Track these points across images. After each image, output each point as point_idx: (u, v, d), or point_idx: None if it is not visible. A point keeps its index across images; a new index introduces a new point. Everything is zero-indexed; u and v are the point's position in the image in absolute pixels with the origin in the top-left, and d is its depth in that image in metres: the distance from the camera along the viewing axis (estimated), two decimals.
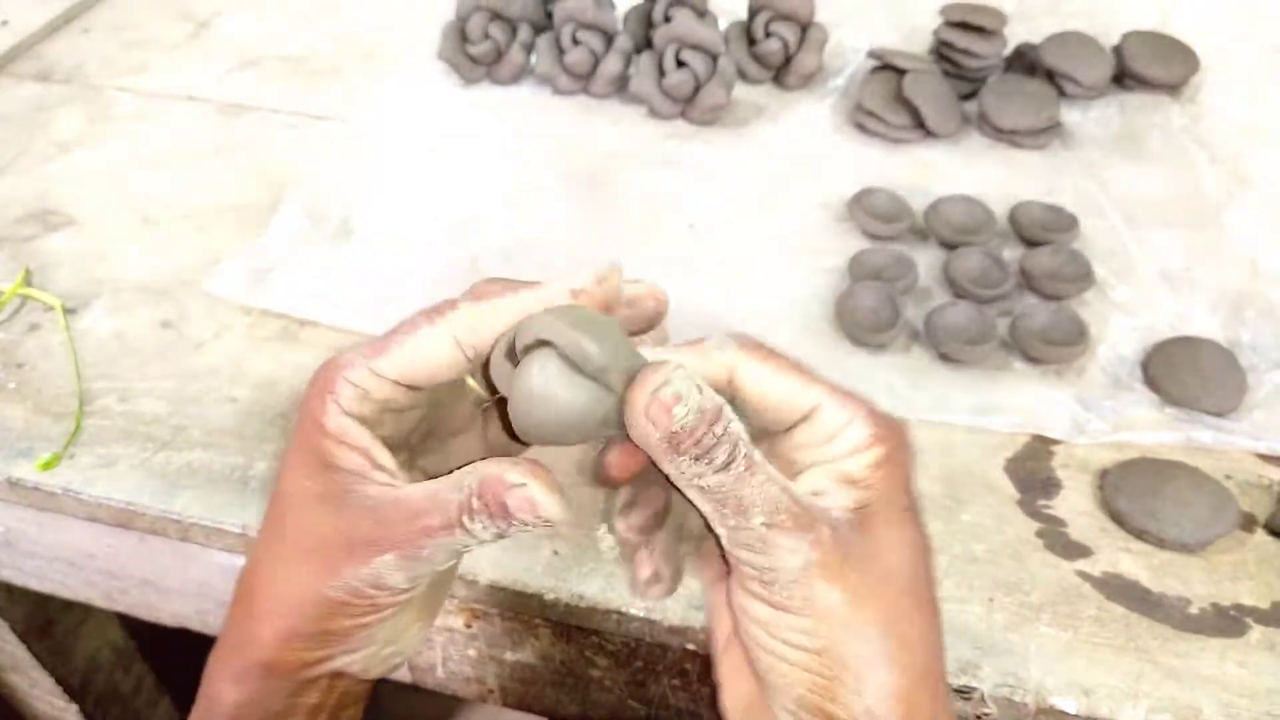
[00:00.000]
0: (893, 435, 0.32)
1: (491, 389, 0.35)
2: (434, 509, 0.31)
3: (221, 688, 0.35)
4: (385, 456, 0.33)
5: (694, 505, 0.31)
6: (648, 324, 0.37)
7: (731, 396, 0.32)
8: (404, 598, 0.33)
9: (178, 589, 0.63)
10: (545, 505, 0.30)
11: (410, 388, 0.34)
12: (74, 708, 0.89)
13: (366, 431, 0.33)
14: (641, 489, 0.35)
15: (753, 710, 0.33)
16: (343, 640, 0.34)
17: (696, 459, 0.29)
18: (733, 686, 0.34)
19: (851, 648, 0.29)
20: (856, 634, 0.30)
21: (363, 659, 0.35)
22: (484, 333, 0.33)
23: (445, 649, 0.58)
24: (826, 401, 0.32)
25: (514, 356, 0.32)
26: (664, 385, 0.29)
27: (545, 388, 0.30)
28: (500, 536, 0.31)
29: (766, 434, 0.34)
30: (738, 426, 0.30)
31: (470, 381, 0.36)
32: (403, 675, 0.61)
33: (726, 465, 0.29)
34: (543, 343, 0.30)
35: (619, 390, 0.30)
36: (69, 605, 0.73)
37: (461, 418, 0.38)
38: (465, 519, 0.30)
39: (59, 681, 0.87)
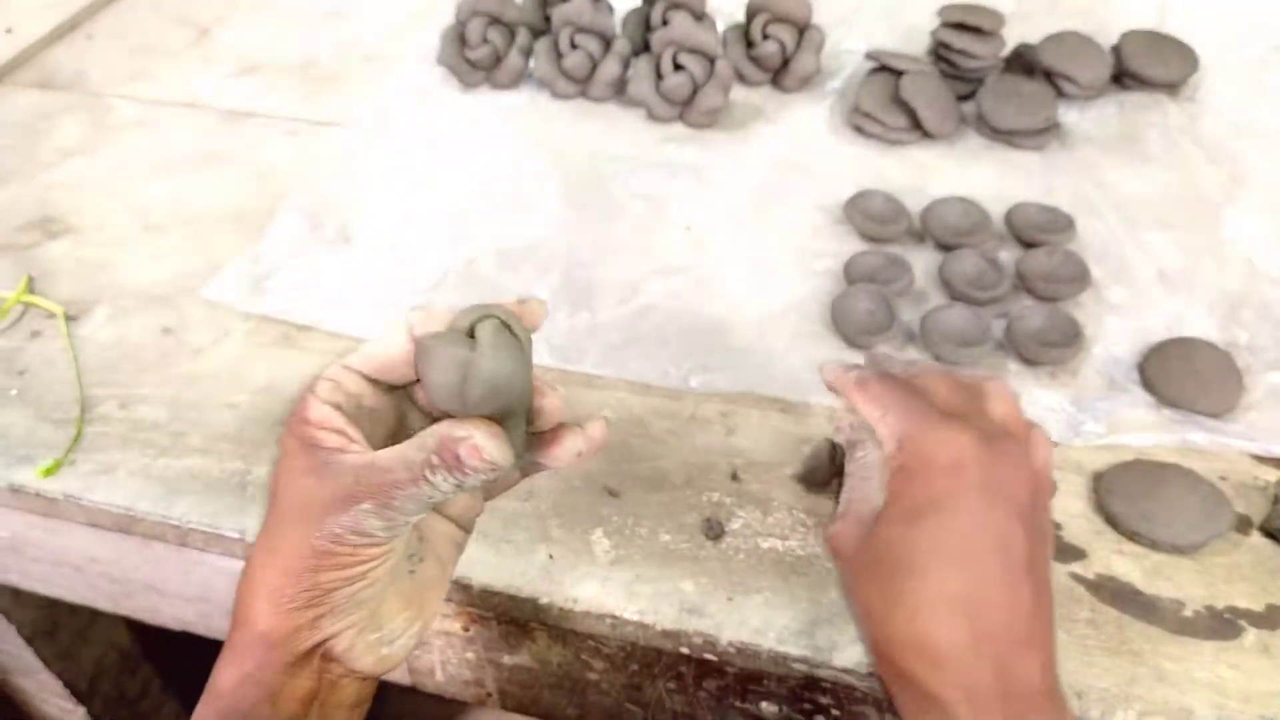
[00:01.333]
0: (905, 449, 0.41)
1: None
2: (401, 466, 0.35)
3: (220, 673, 0.38)
4: (359, 433, 0.38)
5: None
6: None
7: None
8: (382, 550, 0.37)
9: (179, 593, 0.64)
10: (488, 449, 0.35)
11: (375, 382, 0.39)
12: (81, 710, 0.90)
13: (342, 416, 0.38)
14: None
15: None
16: (326, 597, 0.37)
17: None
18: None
19: (855, 597, 0.41)
20: (852, 594, 0.41)
21: (348, 635, 0.38)
22: (434, 323, 0.38)
23: (443, 652, 0.59)
24: (878, 422, 0.42)
25: (463, 341, 0.36)
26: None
27: (497, 343, 0.36)
28: (459, 487, 0.36)
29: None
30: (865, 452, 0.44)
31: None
32: (402, 678, 0.62)
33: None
34: (488, 316, 0.37)
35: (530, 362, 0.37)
36: (75, 609, 0.73)
37: (420, 427, 0.41)
38: (427, 473, 0.35)
39: (66, 684, 0.87)
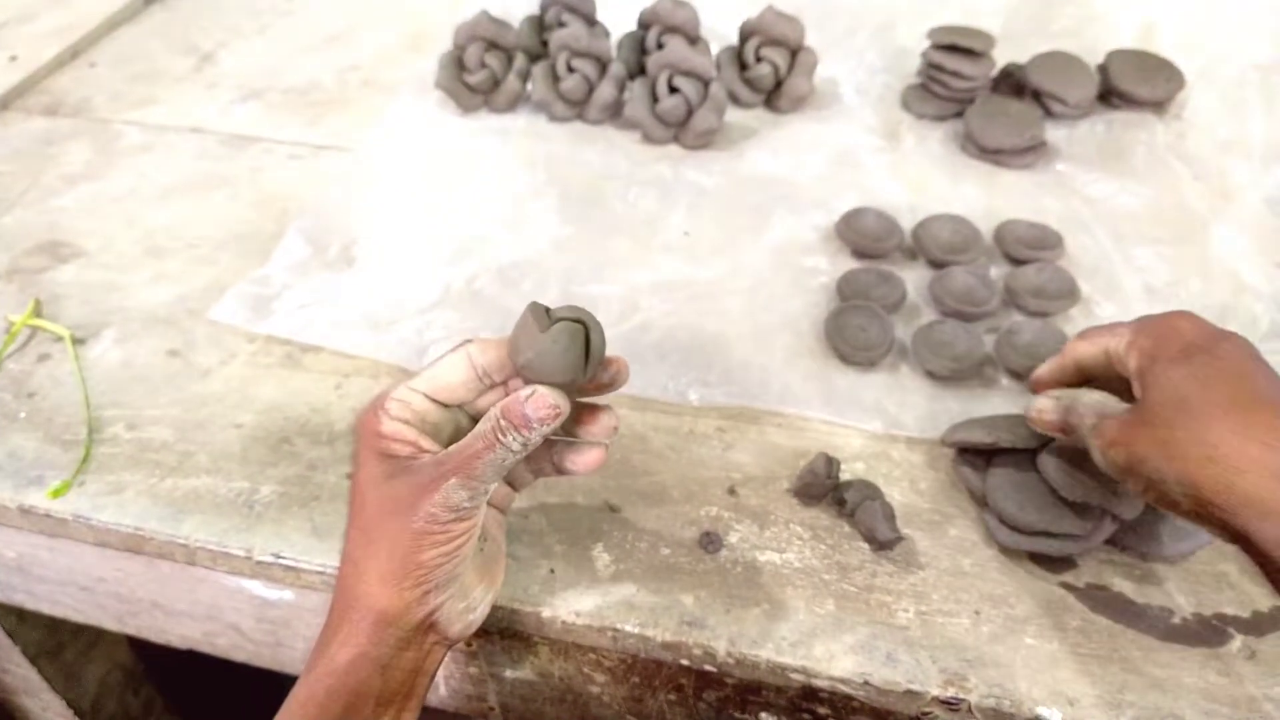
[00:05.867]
0: (1141, 332, 0.47)
1: None
2: (476, 439, 0.42)
3: (334, 653, 0.43)
4: (430, 443, 0.44)
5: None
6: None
7: (1082, 369, 0.51)
8: (469, 525, 0.43)
9: (186, 611, 0.64)
10: (549, 396, 0.42)
11: (438, 403, 0.46)
12: None
13: (413, 429, 0.44)
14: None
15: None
16: (431, 574, 0.43)
17: (1068, 432, 0.49)
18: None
19: (1150, 470, 0.43)
20: (1143, 463, 0.43)
21: (447, 606, 0.44)
22: (490, 354, 0.45)
23: (446, 667, 0.60)
24: (1110, 340, 0.48)
25: (545, 324, 0.43)
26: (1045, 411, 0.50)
27: (560, 333, 0.43)
28: (525, 446, 0.42)
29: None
30: (1078, 402, 0.48)
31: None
32: None
33: (1076, 427, 0.48)
34: (578, 320, 0.44)
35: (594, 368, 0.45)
36: (79, 629, 0.74)
37: None
38: (499, 435, 0.42)
39: (70, 704, 0.88)
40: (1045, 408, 0.50)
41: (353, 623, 0.43)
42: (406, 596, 0.43)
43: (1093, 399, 0.48)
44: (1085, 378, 0.51)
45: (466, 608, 0.46)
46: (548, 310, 0.45)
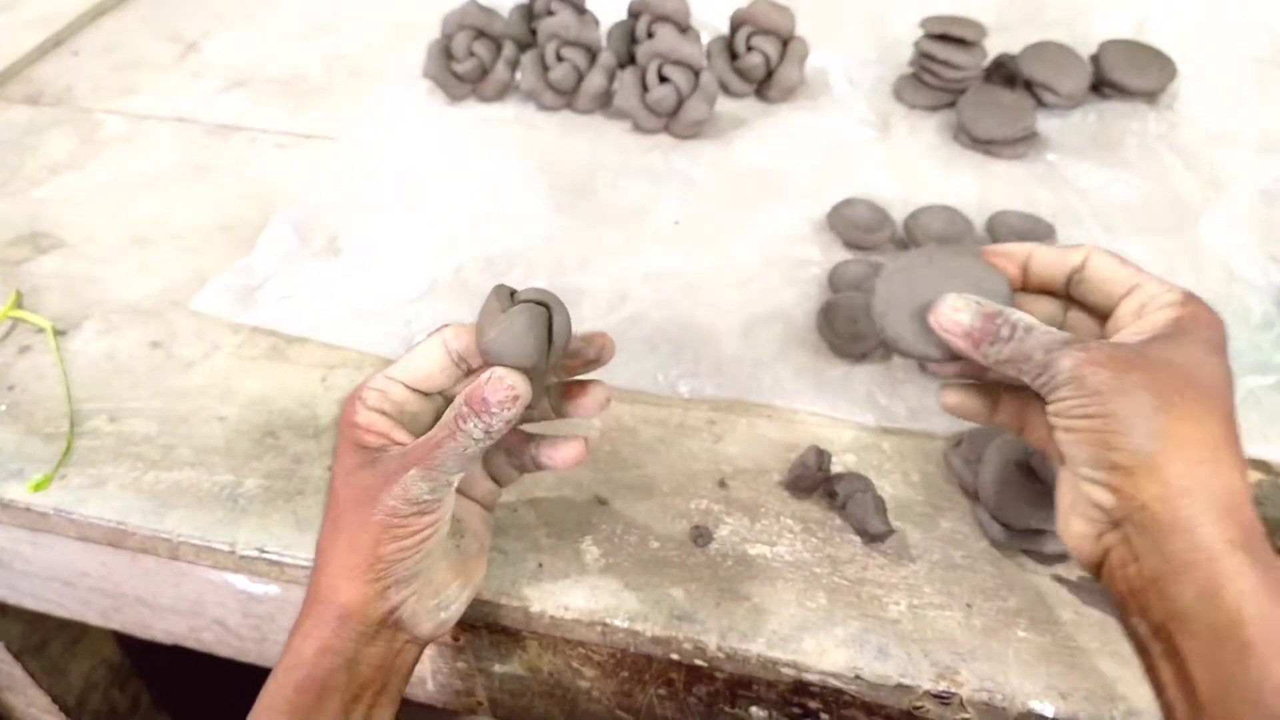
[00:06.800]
0: (1197, 302, 0.40)
1: None
2: (438, 428, 0.42)
3: (299, 645, 0.43)
4: (404, 434, 0.44)
5: (1012, 380, 0.42)
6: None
7: (1081, 275, 0.43)
8: (432, 520, 0.42)
9: (171, 606, 0.64)
10: (507, 377, 0.40)
11: (416, 391, 0.45)
12: None
13: (389, 420, 0.44)
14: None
15: (1075, 501, 0.41)
16: (391, 569, 0.42)
17: (992, 344, 0.40)
18: (1061, 498, 0.42)
19: (1119, 406, 0.37)
20: (1124, 398, 0.37)
21: (411, 602, 0.43)
22: (464, 339, 0.44)
23: (434, 662, 0.59)
24: (1148, 280, 0.42)
25: (504, 304, 0.43)
26: (949, 308, 0.41)
27: (519, 314, 0.42)
28: (488, 433, 0.41)
29: (1100, 313, 0.44)
30: (1016, 314, 0.41)
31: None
32: None
33: (1009, 338, 0.40)
34: (540, 302, 0.43)
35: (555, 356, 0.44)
36: (64, 624, 0.73)
37: None
38: (460, 423, 0.41)
39: (55, 700, 0.87)
40: (960, 307, 0.41)
41: (317, 616, 0.43)
42: (367, 591, 0.42)
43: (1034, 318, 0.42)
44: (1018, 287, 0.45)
45: (437, 605, 0.45)
46: (512, 293, 0.44)
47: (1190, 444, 0.37)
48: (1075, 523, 0.41)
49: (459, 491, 0.47)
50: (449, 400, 0.46)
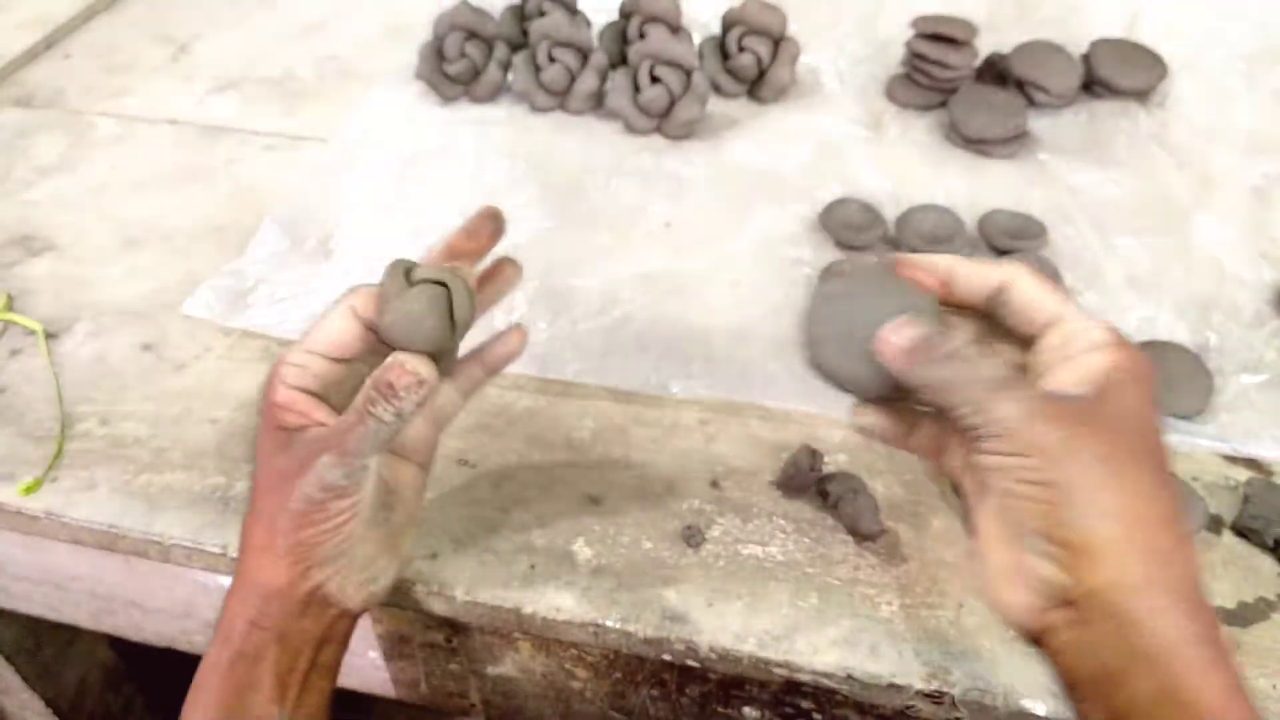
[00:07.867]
0: (1128, 346, 0.38)
1: None
2: (350, 413, 0.41)
3: (231, 620, 0.43)
4: (325, 413, 0.43)
5: (941, 409, 0.39)
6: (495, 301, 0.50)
7: (1004, 297, 0.41)
8: (350, 503, 0.42)
9: (163, 609, 0.64)
10: (410, 363, 0.41)
11: (333, 359, 0.44)
12: None
13: (308, 397, 0.43)
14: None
15: (1013, 568, 0.38)
16: (311, 552, 0.42)
17: (931, 363, 0.38)
18: (989, 553, 0.39)
19: (1070, 475, 0.35)
20: (1076, 465, 0.35)
21: (336, 580, 0.43)
22: (371, 305, 0.43)
23: (427, 664, 0.59)
24: (1072, 314, 0.40)
25: (398, 284, 0.42)
26: (903, 326, 0.39)
27: (410, 294, 0.41)
28: (399, 417, 0.41)
29: (1023, 340, 0.41)
30: (960, 340, 0.38)
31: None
32: (386, 690, 0.62)
33: (952, 359, 0.38)
34: (438, 282, 0.42)
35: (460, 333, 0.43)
36: (57, 627, 0.73)
37: None
38: (369, 408, 0.41)
39: (49, 703, 0.87)
40: (910, 321, 0.39)
41: (244, 594, 0.43)
42: (290, 572, 0.42)
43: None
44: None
45: (367, 579, 0.45)
46: (408, 271, 0.42)
47: (1145, 524, 0.35)
48: (1014, 592, 0.38)
49: (393, 452, 0.47)
50: (372, 367, 0.45)
